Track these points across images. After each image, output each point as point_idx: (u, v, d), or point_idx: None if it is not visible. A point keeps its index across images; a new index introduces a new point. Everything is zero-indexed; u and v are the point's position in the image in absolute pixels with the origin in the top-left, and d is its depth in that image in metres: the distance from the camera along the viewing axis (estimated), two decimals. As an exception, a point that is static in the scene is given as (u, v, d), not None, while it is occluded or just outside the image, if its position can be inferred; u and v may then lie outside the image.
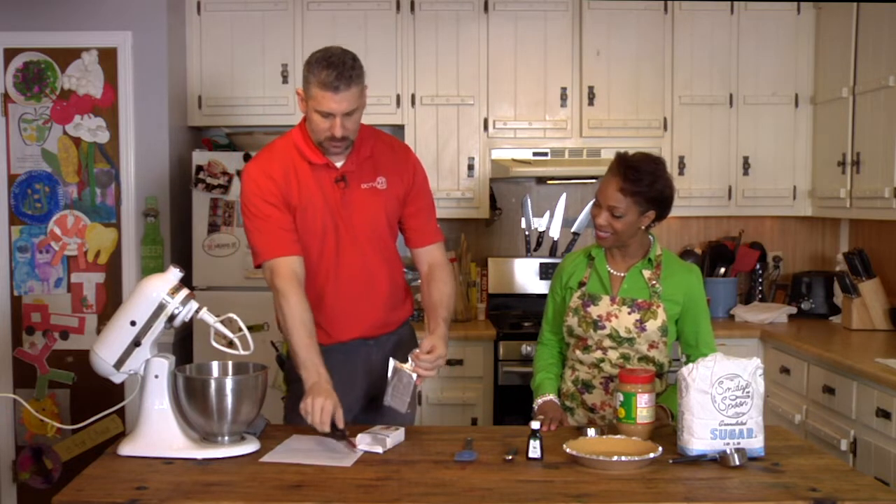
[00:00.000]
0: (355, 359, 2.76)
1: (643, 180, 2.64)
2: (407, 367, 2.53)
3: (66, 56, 4.20)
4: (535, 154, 4.53)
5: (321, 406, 2.37)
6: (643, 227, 2.73)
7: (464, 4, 4.52)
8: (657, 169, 2.68)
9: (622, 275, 2.78)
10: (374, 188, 2.70)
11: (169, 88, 4.27)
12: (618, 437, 2.40)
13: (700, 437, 2.29)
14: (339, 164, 2.68)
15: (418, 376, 2.53)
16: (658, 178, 2.67)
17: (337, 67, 2.49)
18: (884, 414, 3.20)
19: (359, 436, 2.40)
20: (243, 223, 2.69)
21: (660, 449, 2.27)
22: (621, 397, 2.46)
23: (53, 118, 4.20)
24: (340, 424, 2.38)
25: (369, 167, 2.70)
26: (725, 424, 2.29)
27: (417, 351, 2.54)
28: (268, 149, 2.74)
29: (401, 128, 4.58)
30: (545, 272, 4.70)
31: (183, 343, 4.24)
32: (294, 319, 2.53)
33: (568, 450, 2.27)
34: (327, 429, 2.37)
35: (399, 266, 2.83)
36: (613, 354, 2.74)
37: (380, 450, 2.35)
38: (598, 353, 2.75)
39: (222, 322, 2.40)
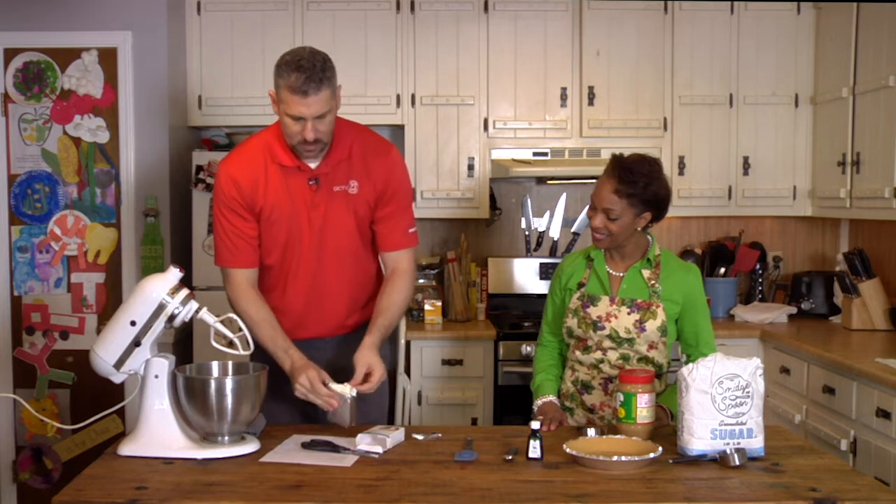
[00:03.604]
0: (314, 356, 2.73)
1: (638, 182, 2.64)
2: (342, 388, 2.51)
3: (66, 56, 4.19)
4: (535, 154, 4.53)
5: (308, 379, 2.48)
6: (640, 228, 2.72)
7: (464, 4, 4.52)
8: (652, 170, 2.67)
9: (621, 275, 2.77)
10: (345, 192, 2.69)
11: (169, 88, 4.27)
12: (618, 437, 2.40)
13: (700, 437, 2.29)
14: (313, 166, 2.66)
15: (356, 393, 2.53)
16: (653, 179, 2.66)
17: (306, 71, 2.46)
18: (884, 414, 3.20)
19: (359, 436, 2.40)
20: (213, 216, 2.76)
21: (660, 449, 2.27)
22: (621, 397, 2.46)
23: (53, 118, 4.20)
24: (330, 383, 2.48)
25: (344, 170, 2.68)
26: (725, 424, 2.29)
27: (354, 379, 2.54)
28: (241, 148, 2.74)
29: (401, 128, 4.58)
30: (545, 272, 4.70)
31: (183, 343, 4.24)
32: (252, 321, 2.57)
33: (568, 450, 2.27)
34: (324, 395, 2.47)
35: (368, 269, 2.82)
36: (613, 355, 2.74)
37: (380, 450, 2.35)
38: (598, 354, 2.75)
39: (222, 322, 2.41)
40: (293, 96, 2.48)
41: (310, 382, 2.49)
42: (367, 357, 2.57)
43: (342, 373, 2.57)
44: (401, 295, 2.74)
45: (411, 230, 2.80)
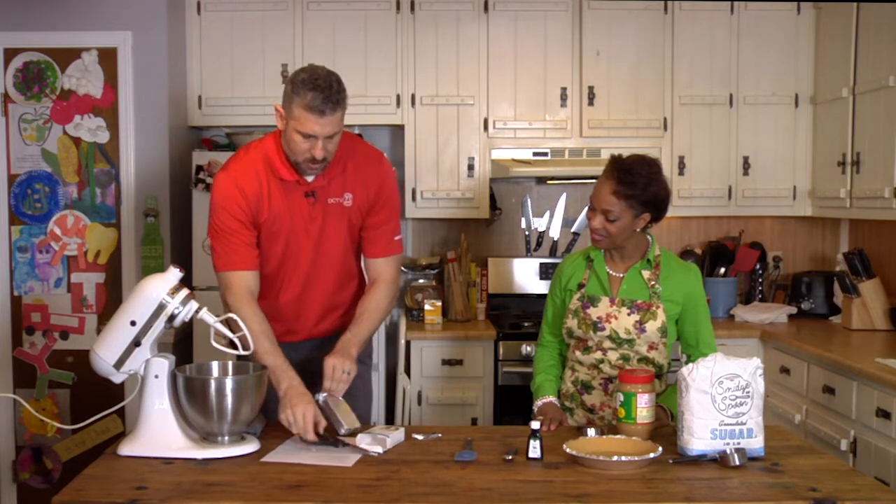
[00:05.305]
0: (305, 357, 2.75)
1: (637, 183, 2.63)
2: (322, 397, 2.50)
3: (66, 56, 4.19)
4: (535, 154, 4.54)
5: (302, 414, 2.41)
6: (639, 229, 2.72)
7: (464, 4, 4.52)
8: (651, 171, 2.67)
9: (621, 276, 2.77)
10: (341, 204, 2.70)
11: (169, 88, 4.27)
12: (618, 437, 2.40)
13: (700, 437, 2.29)
14: (310, 180, 2.66)
15: (329, 394, 2.51)
16: (653, 180, 2.66)
17: (324, 90, 2.46)
18: (884, 414, 3.20)
19: (359, 436, 2.40)
20: (209, 225, 2.69)
21: (660, 449, 2.27)
22: (621, 397, 2.46)
23: (53, 118, 4.20)
24: (320, 430, 2.41)
25: (339, 183, 2.69)
26: (725, 424, 2.29)
27: (324, 382, 2.52)
28: (240, 158, 2.70)
29: (401, 128, 4.58)
30: (545, 272, 4.70)
31: (183, 343, 4.24)
32: (252, 331, 2.49)
33: (568, 450, 2.27)
34: (313, 436, 2.40)
35: (352, 270, 2.83)
36: (613, 355, 2.74)
37: (380, 450, 2.35)
38: (598, 354, 2.75)
39: (222, 322, 2.41)
40: (309, 115, 2.47)
41: (304, 421, 2.42)
42: (330, 359, 2.55)
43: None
44: (374, 303, 2.73)
45: (397, 237, 2.82)
